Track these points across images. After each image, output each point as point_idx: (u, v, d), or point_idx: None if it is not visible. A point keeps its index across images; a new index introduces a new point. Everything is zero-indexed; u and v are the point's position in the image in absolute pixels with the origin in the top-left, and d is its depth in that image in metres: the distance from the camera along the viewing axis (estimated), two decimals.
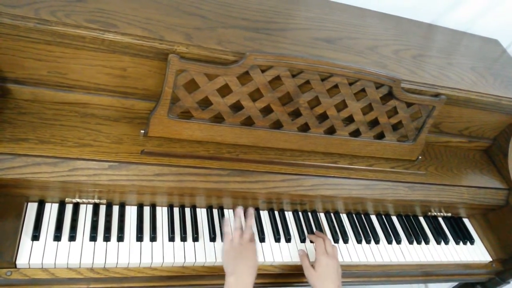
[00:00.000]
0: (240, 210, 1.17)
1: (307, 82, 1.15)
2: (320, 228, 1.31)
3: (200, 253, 1.14)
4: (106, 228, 1.09)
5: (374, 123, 1.29)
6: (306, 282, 1.27)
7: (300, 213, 1.33)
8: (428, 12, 1.66)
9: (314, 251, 1.20)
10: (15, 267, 0.99)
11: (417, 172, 1.39)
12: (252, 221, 1.17)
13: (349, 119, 1.26)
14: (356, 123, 1.27)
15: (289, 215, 1.32)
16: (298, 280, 1.25)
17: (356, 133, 1.30)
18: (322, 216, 1.35)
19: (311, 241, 1.26)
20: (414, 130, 1.33)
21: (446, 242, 1.44)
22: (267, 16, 1.29)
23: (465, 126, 1.50)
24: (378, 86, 1.21)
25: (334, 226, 1.33)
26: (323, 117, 1.24)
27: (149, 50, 1.02)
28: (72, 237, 1.05)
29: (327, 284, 1.09)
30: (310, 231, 1.29)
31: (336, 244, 1.28)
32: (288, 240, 1.25)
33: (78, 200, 1.11)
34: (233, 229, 1.13)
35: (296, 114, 1.21)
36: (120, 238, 1.09)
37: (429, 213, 1.49)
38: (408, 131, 1.33)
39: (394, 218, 1.44)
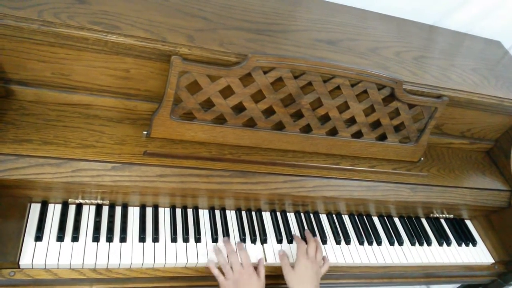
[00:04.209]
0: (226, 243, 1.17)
1: (309, 83, 1.15)
2: (322, 229, 1.31)
3: (203, 253, 1.14)
4: (109, 229, 1.09)
5: (376, 124, 1.29)
6: None
7: (302, 214, 1.33)
8: (430, 14, 1.66)
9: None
10: (18, 267, 0.99)
11: (419, 173, 1.39)
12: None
13: (351, 121, 1.26)
14: (358, 125, 1.27)
15: (291, 216, 1.32)
16: None
17: (358, 135, 1.30)
18: (324, 218, 1.35)
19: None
20: (416, 132, 1.33)
21: (448, 244, 1.44)
22: (269, 18, 1.29)
23: (467, 128, 1.49)
24: (380, 87, 1.21)
25: (336, 228, 1.33)
26: (325, 118, 1.24)
27: (152, 51, 1.03)
28: (75, 238, 1.05)
29: (303, 285, 1.10)
30: (312, 233, 1.29)
31: (324, 246, 1.27)
32: (290, 241, 1.25)
33: (81, 201, 1.11)
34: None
35: (298, 115, 1.21)
36: (123, 239, 1.09)
37: (431, 215, 1.49)
38: (410, 133, 1.33)
39: (396, 220, 1.45)
